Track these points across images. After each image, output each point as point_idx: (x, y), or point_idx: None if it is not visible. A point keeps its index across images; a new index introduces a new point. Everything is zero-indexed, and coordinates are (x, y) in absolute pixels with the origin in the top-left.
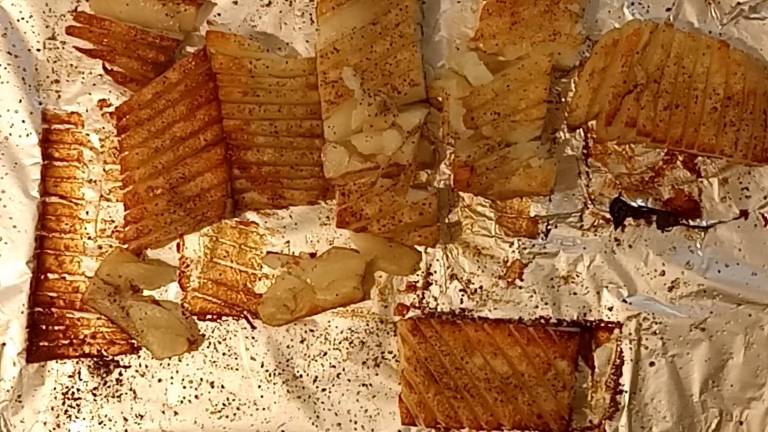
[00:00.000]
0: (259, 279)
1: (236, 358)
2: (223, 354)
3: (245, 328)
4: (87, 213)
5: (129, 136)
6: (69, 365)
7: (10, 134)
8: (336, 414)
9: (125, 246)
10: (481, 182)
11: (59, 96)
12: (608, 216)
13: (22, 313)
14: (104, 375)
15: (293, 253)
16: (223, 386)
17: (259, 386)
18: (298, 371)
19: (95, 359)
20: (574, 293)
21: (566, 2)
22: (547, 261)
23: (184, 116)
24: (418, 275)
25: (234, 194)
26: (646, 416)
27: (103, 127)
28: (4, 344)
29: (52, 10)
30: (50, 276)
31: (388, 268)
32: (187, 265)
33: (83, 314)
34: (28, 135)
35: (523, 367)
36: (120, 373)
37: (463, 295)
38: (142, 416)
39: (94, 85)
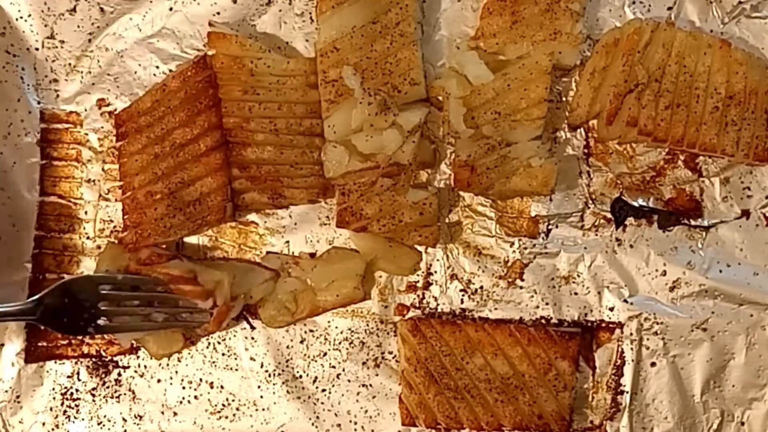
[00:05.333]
0: None
1: (236, 359)
2: (223, 354)
3: (245, 328)
4: (86, 213)
5: (128, 143)
6: (68, 366)
7: (9, 134)
8: (336, 415)
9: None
10: (482, 182)
11: (58, 95)
12: (609, 216)
13: None
14: (103, 375)
15: (293, 253)
16: (222, 387)
17: (259, 387)
18: (297, 372)
19: (94, 359)
20: (575, 293)
21: (567, 1)
22: (548, 261)
23: (184, 123)
24: (418, 275)
25: (234, 196)
26: (647, 417)
27: (102, 127)
28: (2, 344)
29: (50, 9)
30: (49, 276)
31: (388, 268)
32: None
33: None
34: (26, 134)
35: (524, 367)
36: (119, 374)
37: (463, 295)
38: (141, 417)
39: (93, 84)
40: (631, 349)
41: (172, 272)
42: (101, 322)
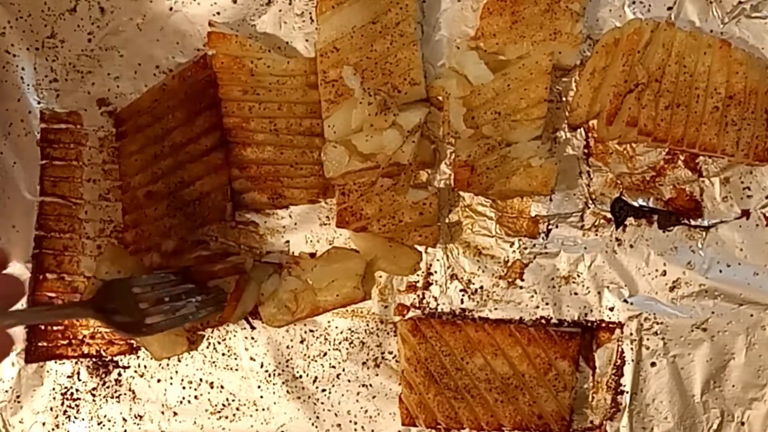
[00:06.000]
0: None
1: (236, 359)
2: (223, 354)
3: (245, 328)
4: (86, 212)
5: (128, 143)
6: (68, 365)
7: (9, 133)
8: (336, 415)
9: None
10: (482, 182)
11: (58, 95)
12: (609, 216)
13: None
14: (103, 375)
15: (293, 253)
16: (222, 387)
17: (259, 387)
18: (297, 372)
19: (94, 359)
20: (575, 293)
21: (567, 1)
22: (548, 261)
23: (184, 122)
24: (418, 275)
25: (234, 196)
26: (647, 417)
27: (102, 126)
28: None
29: (50, 9)
30: (49, 276)
31: (388, 268)
32: None
33: None
34: (26, 134)
35: (524, 367)
36: (119, 374)
37: (463, 295)
38: (141, 417)
39: (93, 84)
40: (631, 349)
41: (203, 253)
42: (149, 320)
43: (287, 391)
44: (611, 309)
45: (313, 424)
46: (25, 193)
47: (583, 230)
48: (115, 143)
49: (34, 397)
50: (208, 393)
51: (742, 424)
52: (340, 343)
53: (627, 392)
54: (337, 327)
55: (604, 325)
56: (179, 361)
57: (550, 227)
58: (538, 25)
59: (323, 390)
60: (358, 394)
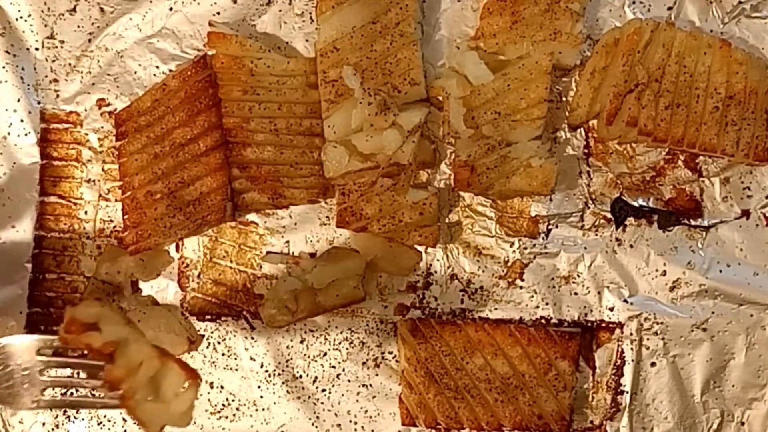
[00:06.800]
0: (259, 279)
1: (236, 359)
2: (223, 354)
3: (245, 328)
4: (86, 213)
5: (128, 143)
6: None
7: (9, 134)
8: (336, 415)
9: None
10: (482, 182)
11: (58, 95)
12: (609, 216)
13: (21, 313)
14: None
15: (293, 253)
16: (222, 387)
17: (259, 387)
18: (297, 372)
19: None
20: (575, 293)
21: (567, 1)
22: (548, 261)
23: (184, 122)
24: (418, 275)
25: (234, 196)
26: (647, 417)
27: (102, 127)
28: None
29: (50, 9)
30: (48, 276)
31: (388, 268)
32: (187, 266)
33: None
34: (26, 134)
35: (524, 367)
36: None
37: (463, 296)
38: None
39: (93, 84)
40: (631, 349)
41: (93, 344)
42: (49, 394)
43: (287, 391)
44: (611, 309)
45: (313, 424)
46: (25, 193)
47: (583, 230)
48: (115, 143)
49: None
50: (208, 393)
51: (742, 424)
52: (340, 343)
53: (627, 392)
54: (337, 327)
55: (604, 325)
56: None
57: (550, 227)
58: (538, 25)
59: (323, 390)
60: (358, 394)
